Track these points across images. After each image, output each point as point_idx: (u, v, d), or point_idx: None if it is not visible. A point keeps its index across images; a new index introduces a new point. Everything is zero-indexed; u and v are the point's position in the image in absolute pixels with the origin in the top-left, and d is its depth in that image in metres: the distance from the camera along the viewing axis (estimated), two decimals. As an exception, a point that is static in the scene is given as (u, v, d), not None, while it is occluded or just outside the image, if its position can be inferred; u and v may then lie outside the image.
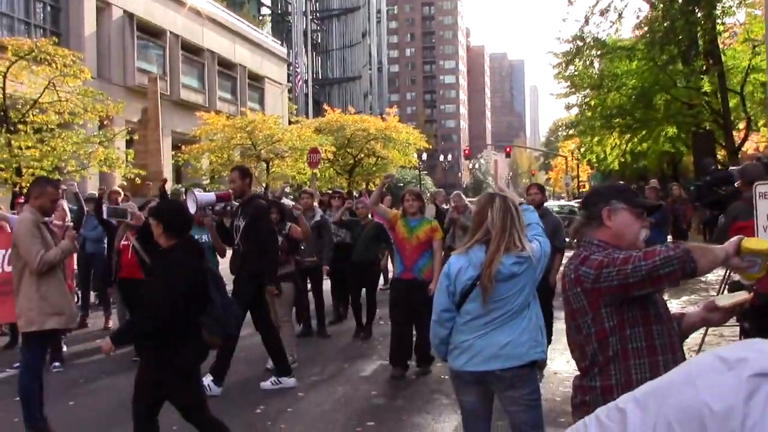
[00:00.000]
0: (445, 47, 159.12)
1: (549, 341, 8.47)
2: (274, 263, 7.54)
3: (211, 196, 8.25)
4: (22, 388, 5.67)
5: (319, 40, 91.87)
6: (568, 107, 31.76)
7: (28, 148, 17.81)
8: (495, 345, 3.95)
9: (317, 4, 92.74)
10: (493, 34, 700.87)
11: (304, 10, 77.85)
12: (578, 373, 2.94)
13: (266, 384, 7.38)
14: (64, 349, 8.76)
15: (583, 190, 58.86)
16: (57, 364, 8.16)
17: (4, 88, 18.48)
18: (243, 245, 7.41)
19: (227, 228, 8.19)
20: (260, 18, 64.41)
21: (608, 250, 2.84)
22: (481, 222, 3.99)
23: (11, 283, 7.26)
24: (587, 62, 28.13)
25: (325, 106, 41.59)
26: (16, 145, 17.60)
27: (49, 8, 31.38)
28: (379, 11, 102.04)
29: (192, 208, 7.52)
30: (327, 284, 11.50)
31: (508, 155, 72.52)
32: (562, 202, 38.20)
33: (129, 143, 25.25)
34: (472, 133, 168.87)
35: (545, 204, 8.87)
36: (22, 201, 10.37)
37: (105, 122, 23.16)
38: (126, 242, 8.72)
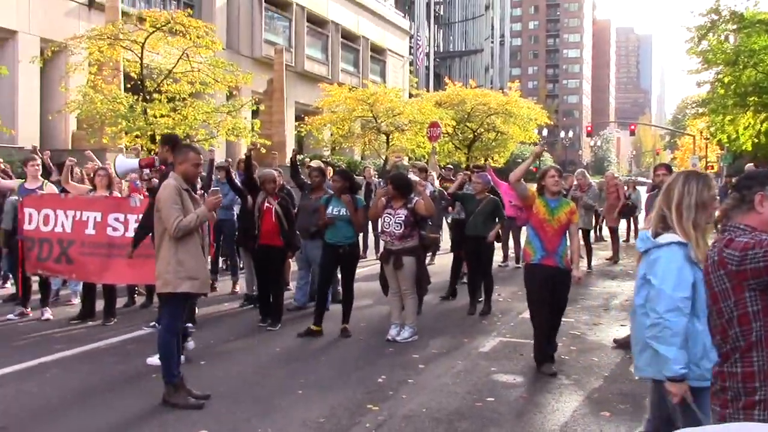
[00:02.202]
0: (570, 20, 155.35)
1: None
2: (144, 230, 7.51)
3: (133, 162, 8.49)
4: (162, 345, 5.99)
5: (442, 13, 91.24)
6: (699, 84, 30.56)
7: (162, 116, 18.56)
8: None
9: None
10: (620, 8, 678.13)
11: (427, -18, 77.57)
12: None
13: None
14: (197, 311, 9.17)
15: (711, 171, 56.60)
16: (190, 325, 8.52)
17: (142, 59, 19.30)
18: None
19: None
20: (384, -10, 64.59)
21: (754, 233, 2.77)
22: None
23: (151, 247, 7.71)
24: (722, 37, 26.94)
25: (446, 80, 41.44)
26: (151, 114, 18.40)
27: (182, -20, 32.49)
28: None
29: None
30: (446, 258, 11.60)
31: (632, 133, 70.50)
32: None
33: (254, 113, 25.92)
34: (595, 109, 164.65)
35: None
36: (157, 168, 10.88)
37: (233, 93, 23.88)
38: (269, 205, 9.01)
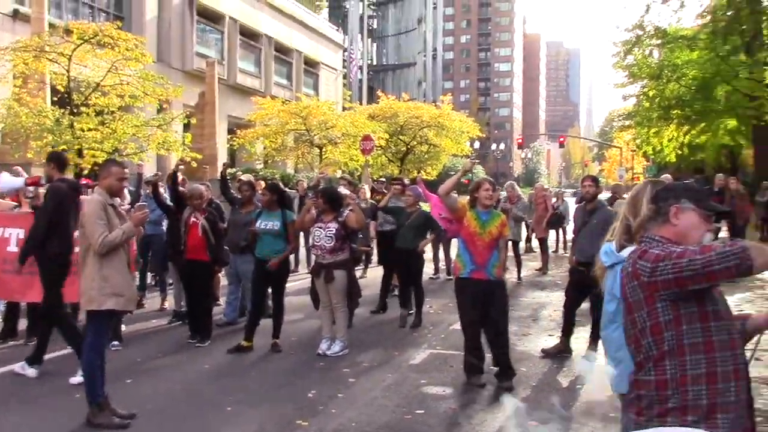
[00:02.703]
0: (501, 34, 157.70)
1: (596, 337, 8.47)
2: (31, 246, 7.43)
3: (19, 181, 8.60)
4: (87, 364, 5.89)
5: (375, 26, 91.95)
6: (626, 98, 31.34)
7: (89, 130, 18.15)
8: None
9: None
10: (550, 22, 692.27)
11: (360, -5, 77.96)
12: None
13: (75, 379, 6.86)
14: (123, 328, 9.02)
15: (637, 182, 58.10)
16: (116, 343, 8.40)
17: (69, 71, 18.89)
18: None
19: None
20: (317, 3, 64.71)
21: (667, 245, 2.86)
22: None
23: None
24: (647, 52, 27.73)
25: (379, 93, 41.65)
26: (78, 128, 17.99)
27: (111, -8, 31.97)
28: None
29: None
30: (378, 271, 11.66)
31: (561, 145, 71.89)
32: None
33: (186, 127, 25.58)
34: (526, 122, 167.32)
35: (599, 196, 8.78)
36: (84, 182, 10.69)
37: (164, 106, 23.55)
38: (195, 220, 8.92)
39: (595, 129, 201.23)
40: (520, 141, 72.09)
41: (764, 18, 22.31)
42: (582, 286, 8.53)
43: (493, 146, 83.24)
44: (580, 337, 8.80)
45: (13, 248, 8.34)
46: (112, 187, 6.03)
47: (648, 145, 33.83)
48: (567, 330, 8.59)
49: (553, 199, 18.15)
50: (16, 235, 8.42)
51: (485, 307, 7.05)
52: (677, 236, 2.92)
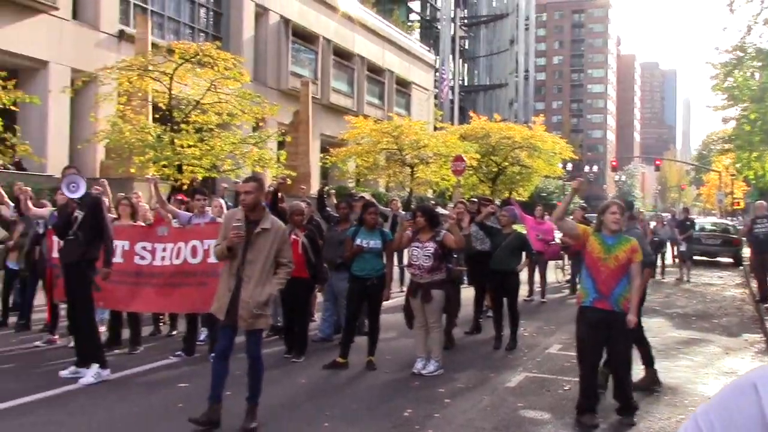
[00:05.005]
0: (595, 56, 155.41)
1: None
2: (109, 249, 7.83)
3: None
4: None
5: (467, 47, 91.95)
6: (725, 120, 30.34)
7: (189, 146, 18.64)
8: None
9: (465, 11, 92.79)
10: (645, 43, 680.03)
11: (452, 16, 78.12)
12: None
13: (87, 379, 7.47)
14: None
15: (737, 207, 56.17)
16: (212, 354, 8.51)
17: (170, 89, 19.49)
18: (81, 234, 7.57)
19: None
20: (409, 24, 65.10)
21: None
22: None
23: (178, 276, 7.87)
24: (748, 73, 26.79)
25: (471, 113, 41.56)
26: (178, 144, 18.50)
27: (211, 13, 32.91)
28: (527, 18, 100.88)
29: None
30: (469, 292, 11.55)
31: (657, 168, 69.94)
32: (715, 219, 36.64)
33: (280, 145, 26.05)
34: (620, 144, 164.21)
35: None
36: (180, 198, 10.99)
37: (259, 124, 24.04)
38: (295, 237, 9.02)
39: (691, 152, 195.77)
40: (615, 163, 70.67)
41: None
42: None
43: (586, 168, 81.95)
44: (683, 364, 8.48)
45: (118, 259, 8.57)
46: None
47: (749, 169, 32.60)
48: (648, 361, 8.09)
49: (652, 224, 17.70)
50: (121, 246, 8.69)
51: (606, 340, 6.47)
52: None
